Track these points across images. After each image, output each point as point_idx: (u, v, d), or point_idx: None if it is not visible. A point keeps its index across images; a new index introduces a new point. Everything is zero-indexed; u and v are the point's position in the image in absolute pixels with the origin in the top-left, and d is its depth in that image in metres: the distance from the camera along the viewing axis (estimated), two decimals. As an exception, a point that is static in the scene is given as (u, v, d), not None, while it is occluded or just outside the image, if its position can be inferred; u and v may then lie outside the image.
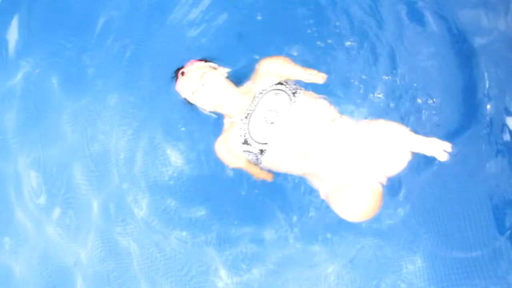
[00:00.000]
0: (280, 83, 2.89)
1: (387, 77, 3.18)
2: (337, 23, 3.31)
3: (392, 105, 3.14)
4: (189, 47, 3.40)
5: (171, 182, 3.31)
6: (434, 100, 3.12)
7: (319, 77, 3.01)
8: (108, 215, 3.36)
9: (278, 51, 3.19)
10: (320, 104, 2.86)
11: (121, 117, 3.42)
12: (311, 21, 3.35)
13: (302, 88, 2.91)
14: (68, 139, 3.48)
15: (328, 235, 3.15)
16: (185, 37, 3.44)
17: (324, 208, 3.08)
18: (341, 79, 3.18)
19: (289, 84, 2.88)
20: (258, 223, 3.23)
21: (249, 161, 2.96)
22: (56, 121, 3.50)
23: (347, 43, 3.28)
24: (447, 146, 2.75)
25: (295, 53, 3.25)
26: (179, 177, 3.32)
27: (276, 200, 3.19)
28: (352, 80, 3.17)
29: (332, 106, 2.90)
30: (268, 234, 3.22)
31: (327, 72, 3.10)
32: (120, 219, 3.34)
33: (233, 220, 3.23)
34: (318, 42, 3.27)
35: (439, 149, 2.75)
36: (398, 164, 2.81)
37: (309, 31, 3.33)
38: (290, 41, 3.28)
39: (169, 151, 3.32)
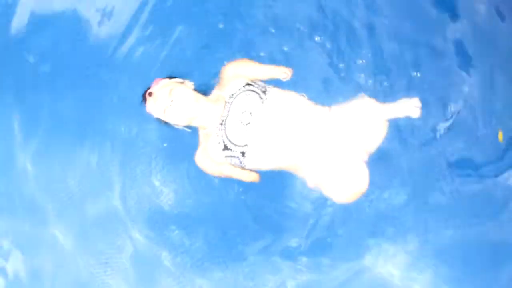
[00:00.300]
0: (248, 84, 2.93)
1: (361, 61, 3.22)
2: (298, 25, 3.36)
3: (370, 82, 3.19)
4: (160, 67, 3.41)
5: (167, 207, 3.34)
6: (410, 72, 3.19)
7: (284, 72, 3.06)
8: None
9: (246, 56, 3.20)
10: (291, 98, 2.92)
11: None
12: (272, 27, 3.41)
13: (271, 85, 2.96)
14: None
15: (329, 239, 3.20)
16: (153, 58, 3.44)
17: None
18: (316, 72, 3.24)
19: (257, 84, 2.93)
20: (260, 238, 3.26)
21: (233, 166, 3.00)
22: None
23: (316, 38, 3.31)
24: (416, 101, 2.84)
25: (262, 54, 3.29)
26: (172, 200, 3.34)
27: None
28: (326, 69, 3.23)
29: (305, 97, 2.96)
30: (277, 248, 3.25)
31: (299, 67, 3.14)
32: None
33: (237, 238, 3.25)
34: (284, 48, 3.32)
35: (411, 107, 2.83)
36: (377, 137, 2.88)
37: (272, 30, 3.38)
38: (256, 45, 3.33)
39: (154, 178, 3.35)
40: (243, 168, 2.99)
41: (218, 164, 2.97)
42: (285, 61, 3.25)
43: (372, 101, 2.90)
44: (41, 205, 3.35)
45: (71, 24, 3.51)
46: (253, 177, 3.05)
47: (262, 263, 3.23)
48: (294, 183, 3.15)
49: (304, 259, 3.19)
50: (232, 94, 2.94)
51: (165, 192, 3.31)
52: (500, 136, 3.13)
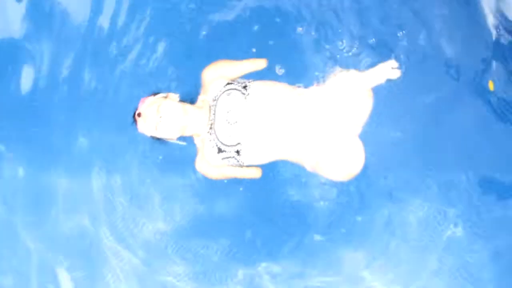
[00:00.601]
0: (228, 83, 2.97)
1: (341, 42, 3.28)
2: (278, 19, 3.41)
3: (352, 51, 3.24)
4: (144, 82, 3.47)
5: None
6: (374, 40, 3.26)
7: (260, 63, 3.09)
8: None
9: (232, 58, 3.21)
10: (273, 87, 2.95)
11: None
12: (256, 24, 3.45)
13: (251, 79, 3.00)
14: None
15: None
16: (139, 75, 3.50)
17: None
18: (302, 59, 3.30)
19: (237, 81, 2.97)
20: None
21: (232, 166, 3.03)
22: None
23: (299, 29, 3.36)
24: (393, 63, 2.88)
25: (254, 50, 3.34)
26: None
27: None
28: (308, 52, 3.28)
29: (286, 84, 3.00)
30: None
31: (286, 57, 3.21)
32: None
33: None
34: (270, 42, 3.36)
35: (389, 70, 2.87)
36: (364, 108, 2.91)
37: (256, 27, 3.42)
38: (242, 47, 3.36)
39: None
40: (242, 166, 3.02)
41: (218, 167, 3.02)
42: (273, 54, 3.29)
43: (351, 73, 2.94)
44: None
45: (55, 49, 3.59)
46: (255, 173, 3.09)
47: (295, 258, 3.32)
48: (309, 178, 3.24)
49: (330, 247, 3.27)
50: (215, 97, 2.98)
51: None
52: (491, 85, 3.18)
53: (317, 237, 3.28)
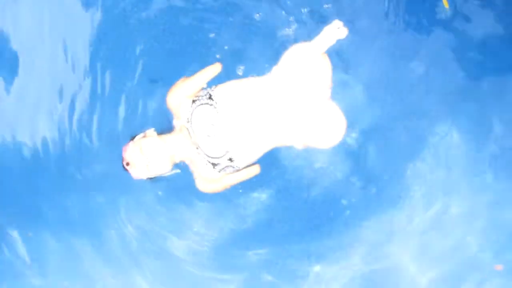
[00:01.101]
0: (194, 101, 3.00)
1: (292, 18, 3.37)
2: (214, 33, 3.46)
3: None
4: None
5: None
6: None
7: (215, 68, 3.14)
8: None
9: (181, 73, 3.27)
10: (235, 85, 3.00)
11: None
12: (213, 30, 3.49)
13: (212, 86, 3.04)
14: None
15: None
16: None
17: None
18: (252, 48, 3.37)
19: (200, 95, 3.00)
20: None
21: (232, 173, 3.08)
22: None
23: (256, 15, 3.46)
24: (337, 23, 2.94)
25: (218, 56, 3.41)
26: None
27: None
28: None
29: (245, 78, 3.04)
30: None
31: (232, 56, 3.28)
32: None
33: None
34: (217, 55, 3.40)
35: (335, 31, 2.92)
36: (325, 71, 2.98)
37: (213, 35, 3.47)
38: (188, 59, 3.47)
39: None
40: (239, 170, 3.07)
41: (219, 180, 3.07)
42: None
43: (301, 45, 3.00)
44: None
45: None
46: (254, 171, 3.14)
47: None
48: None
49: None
50: (187, 119, 3.02)
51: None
52: (445, 2, 3.25)
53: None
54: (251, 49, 3.38)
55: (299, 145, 3.05)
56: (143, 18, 3.55)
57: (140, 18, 3.55)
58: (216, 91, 2.96)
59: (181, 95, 2.97)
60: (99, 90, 3.57)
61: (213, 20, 3.49)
